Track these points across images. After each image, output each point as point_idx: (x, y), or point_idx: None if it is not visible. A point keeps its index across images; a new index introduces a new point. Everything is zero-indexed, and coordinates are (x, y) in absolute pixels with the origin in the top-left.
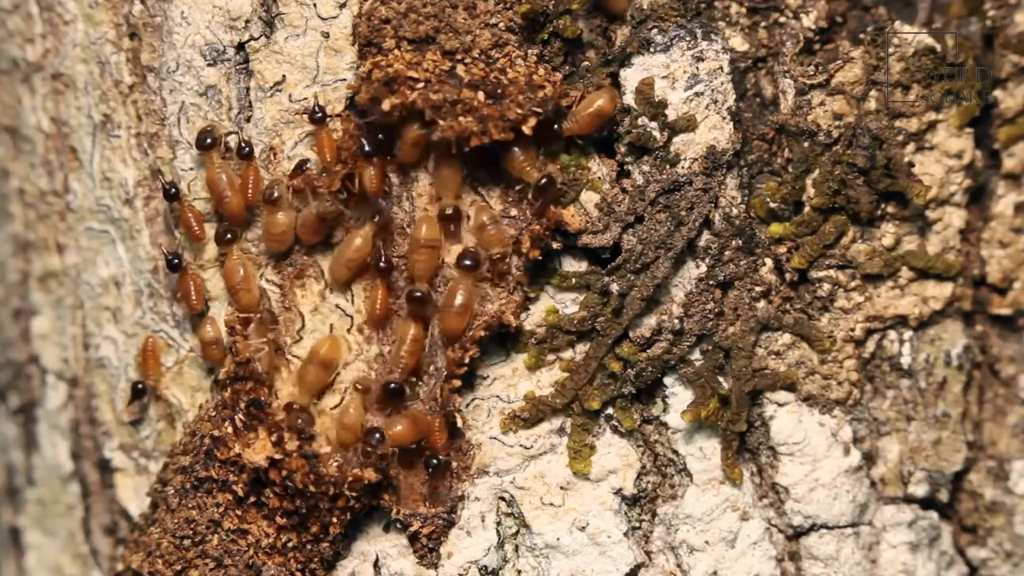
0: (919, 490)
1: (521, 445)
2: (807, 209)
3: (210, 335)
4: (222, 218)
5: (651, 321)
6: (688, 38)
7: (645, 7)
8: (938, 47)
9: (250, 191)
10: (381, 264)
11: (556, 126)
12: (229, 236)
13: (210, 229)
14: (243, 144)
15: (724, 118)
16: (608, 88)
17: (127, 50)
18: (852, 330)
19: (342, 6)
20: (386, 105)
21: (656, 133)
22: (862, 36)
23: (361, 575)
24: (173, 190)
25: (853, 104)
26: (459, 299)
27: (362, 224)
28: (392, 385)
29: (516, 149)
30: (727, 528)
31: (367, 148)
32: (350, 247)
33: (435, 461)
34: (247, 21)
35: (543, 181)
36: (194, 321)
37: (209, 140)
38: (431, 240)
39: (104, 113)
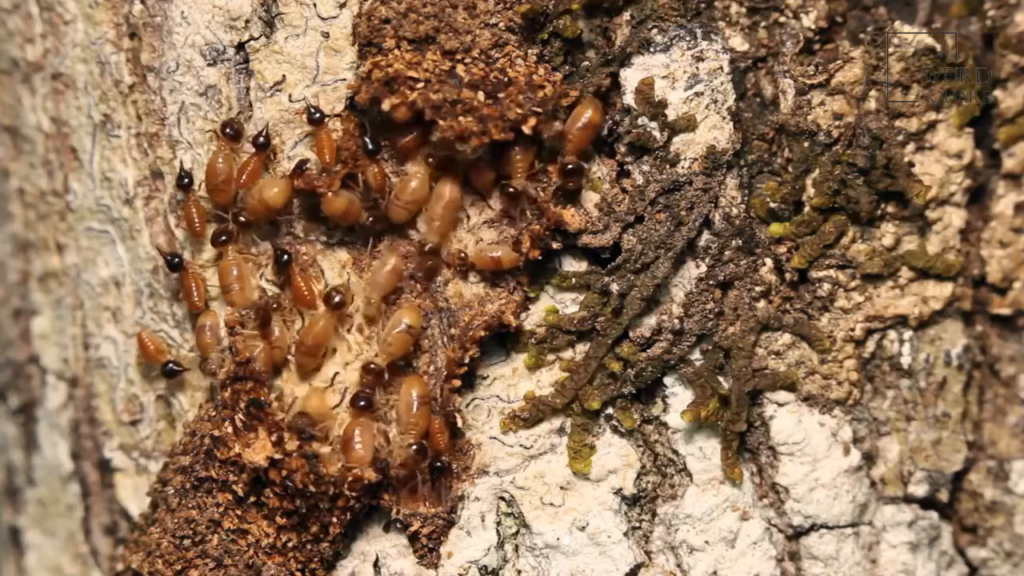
0: (919, 490)
1: (521, 445)
2: (807, 209)
3: (203, 321)
4: (220, 215)
5: (651, 321)
6: (688, 38)
7: (645, 7)
8: (938, 47)
9: (244, 178)
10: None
11: (570, 167)
12: (224, 238)
13: (210, 229)
14: (260, 134)
15: (724, 118)
16: (589, 98)
17: (127, 50)
18: (852, 330)
19: (342, 6)
20: (386, 105)
21: (656, 133)
22: (862, 36)
23: (361, 575)
24: (187, 180)
25: (853, 104)
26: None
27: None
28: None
29: (513, 150)
30: (727, 528)
31: (371, 146)
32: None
33: (438, 464)
34: (247, 21)
35: (511, 190)
36: (194, 320)
37: (230, 130)
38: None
39: (104, 113)
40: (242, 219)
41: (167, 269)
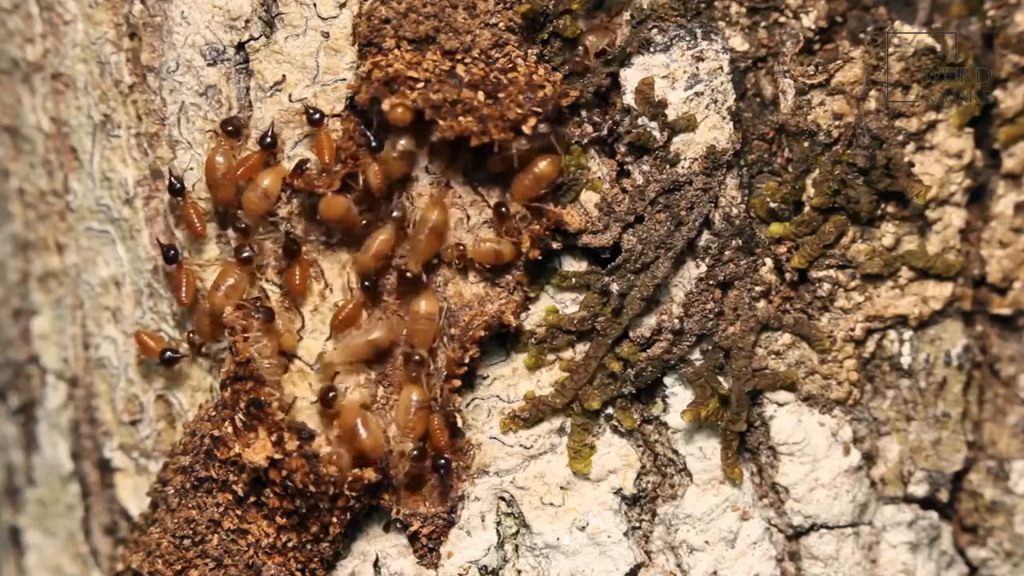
0: (919, 490)
1: (521, 445)
2: (807, 209)
3: (204, 306)
4: (223, 218)
5: (651, 321)
6: (688, 38)
7: (645, 7)
8: (938, 47)
9: (242, 171)
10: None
11: (504, 208)
12: (247, 254)
13: (211, 228)
14: (267, 135)
15: (724, 118)
16: (552, 155)
17: (127, 50)
18: (852, 330)
19: (342, 6)
20: (386, 105)
21: (656, 133)
22: (862, 36)
23: (361, 575)
24: (178, 185)
25: (853, 104)
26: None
27: (383, 224)
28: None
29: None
30: (727, 528)
31: (374, 143)
32: (373, 244)
33: (442, 462)
34: (247, 21)
35: (503, 209)
36: (190, 319)
37: (231, 127)
38: (439, 224)
39: (104, 113)
40: (242, 226)
41: (164, 261)
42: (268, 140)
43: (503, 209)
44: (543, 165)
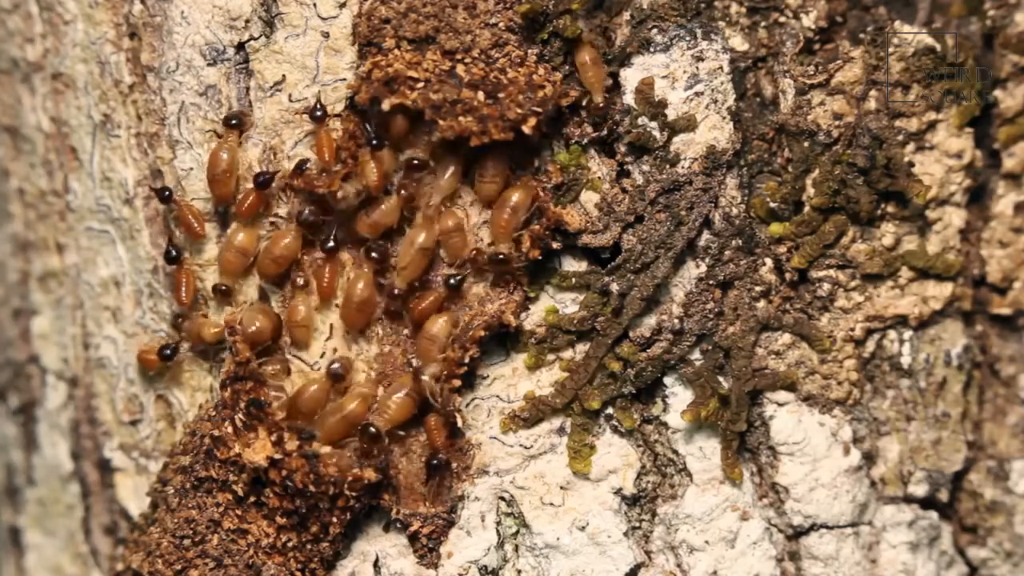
0: (919, 490)
1: (521, 445)
2: (807, 209)
3: (209, 328)
4: (223, 218)
5: (651, 321)
6: (688, 38)
7: (645, 7)
8: (938, 47)
9: (243, 208)
10: (329, 245)
11: (501, 255)
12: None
13: (211, 229)
14: (261, 174)
15: (724, 118)
16: (522, 183)
17: (127, 50)
18: (852, 330)
19: (342, 6)
20: (386, 105)
21: (656, 133)
22: (862, 36)
23: (361, 575)
24: (167, 193)
25: (853, 104)
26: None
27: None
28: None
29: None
30: (727, 528)
31: (375, 141)
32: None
33: (436, 461)
34: (247, 21)
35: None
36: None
37: (235, 121)
38: (427, 246)
39: (104, 113)
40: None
41: (165, 261)
42: (261, 180)
43: (500, 256)
44: (517, 196)
